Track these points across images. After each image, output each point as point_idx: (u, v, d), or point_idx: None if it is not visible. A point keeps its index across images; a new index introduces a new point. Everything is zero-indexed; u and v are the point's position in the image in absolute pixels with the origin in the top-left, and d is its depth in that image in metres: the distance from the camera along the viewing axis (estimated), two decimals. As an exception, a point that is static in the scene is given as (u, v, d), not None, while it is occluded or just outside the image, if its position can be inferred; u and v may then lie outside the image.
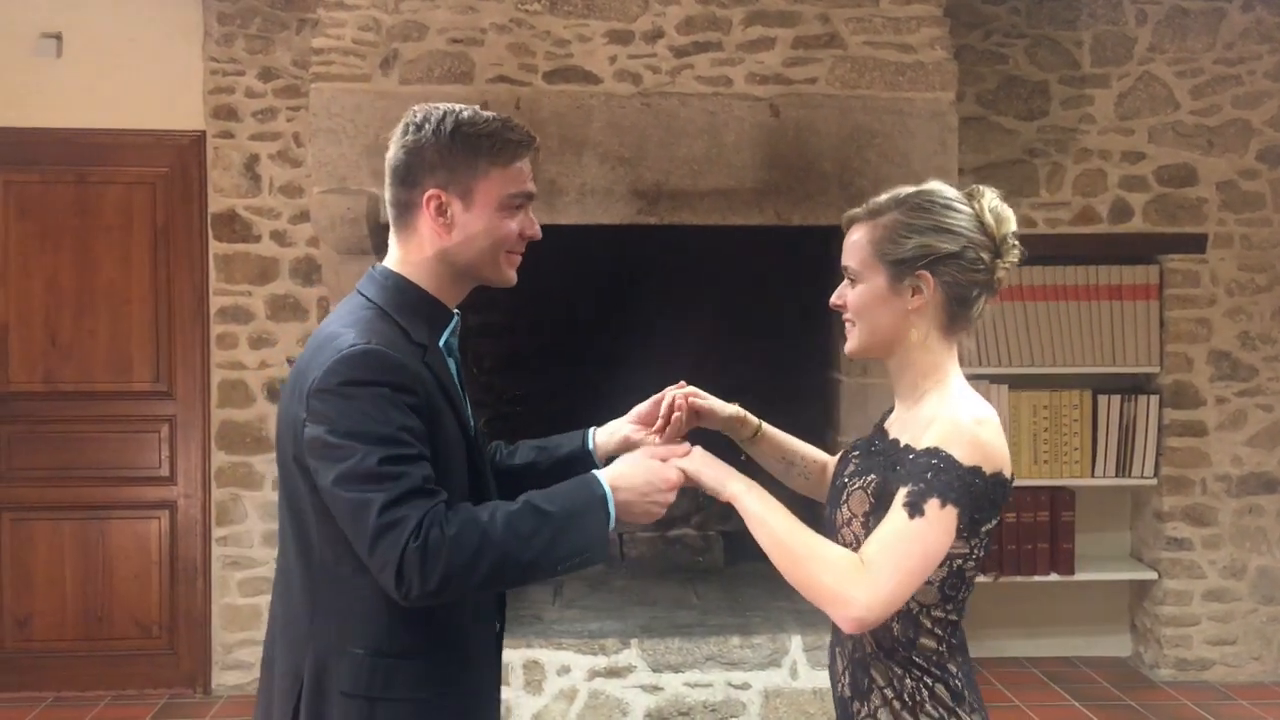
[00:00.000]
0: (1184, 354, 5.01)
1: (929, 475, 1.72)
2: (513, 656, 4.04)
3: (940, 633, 1.82)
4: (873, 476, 1.85)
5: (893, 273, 1.84)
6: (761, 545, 1.79)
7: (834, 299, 1.94)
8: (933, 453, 1.74)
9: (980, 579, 5.32)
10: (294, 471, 1.82)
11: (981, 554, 1.82)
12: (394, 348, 1.80)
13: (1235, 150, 5.00)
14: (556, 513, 1.77)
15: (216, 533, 4.83)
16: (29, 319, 4.78)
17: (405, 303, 1.89)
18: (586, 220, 4.17)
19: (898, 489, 1.74)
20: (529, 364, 5.15)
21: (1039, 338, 5.00)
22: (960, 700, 1.82)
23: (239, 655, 4.82)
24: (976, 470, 1.73)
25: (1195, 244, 4.99)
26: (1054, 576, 5.03)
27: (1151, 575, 5.07)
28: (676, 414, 2.08)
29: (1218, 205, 5.00)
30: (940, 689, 1.82)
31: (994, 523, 1.82)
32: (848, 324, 1.92)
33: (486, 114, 1.91)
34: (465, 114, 1.89)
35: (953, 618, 1.84)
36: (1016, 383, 5.01)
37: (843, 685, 1.92)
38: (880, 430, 1.97)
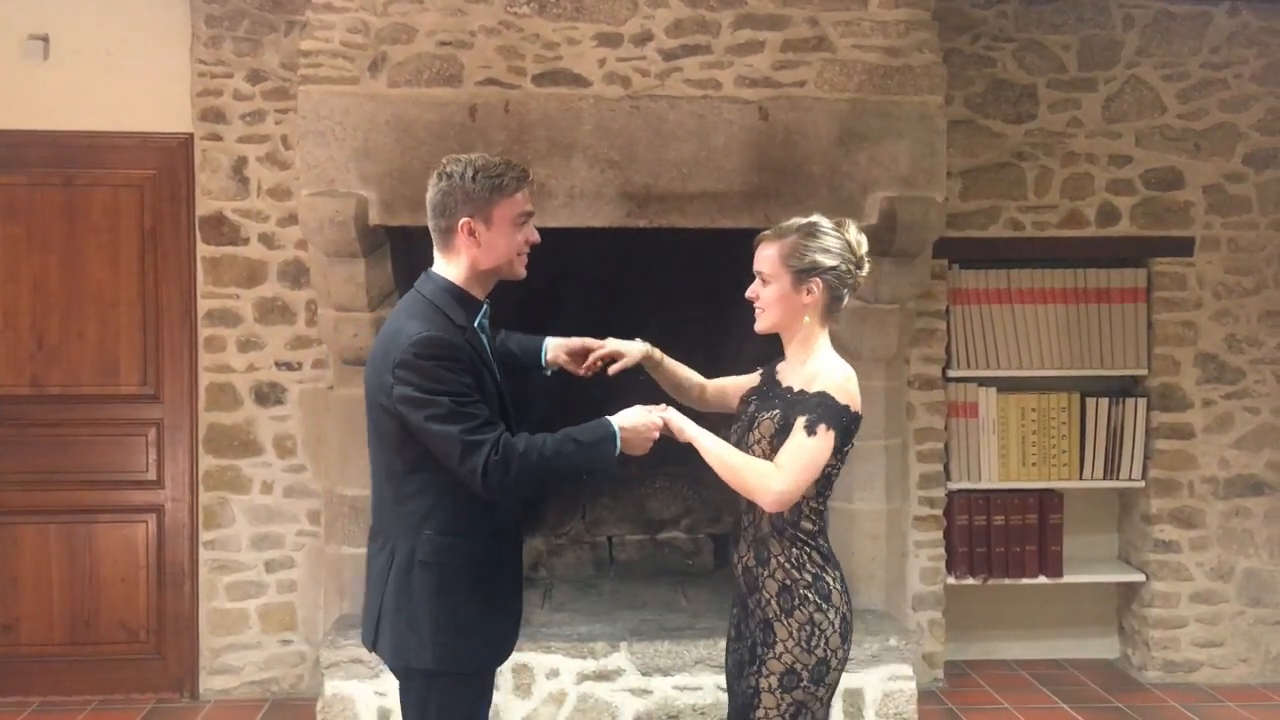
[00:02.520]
0: (1171, 357, 5.03)
1: (820, 409, 2.61)
2: (502, 660, 4.03)
3: (814, 517, 2.72)
4: (777, 411, 2.70)
5: (794, 278, 2.69)
6: (711, 465, 2.63)
7: (749, 293, 2.77)
8: (823, 394, 2.63)
9: (968, 581, 5.33)
10: (383, 417, 2.62)
11: (841, 465, 2.71)
12: (446, 331, 2.59)
13: (1222, 154, 5.02)
14: (584, 441, 2.60)
15: (204, 536, 4.81)
16: (16, 322, 4.76)
17: (448, 298, 2.65)
18: (576, 223, 4.17)
19: (797, 418, 2.61)
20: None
21: (1027, 341, 5.02)
22: (828, 560, 2.73)
23: (226, 659, 4.80)
24: (846, 409, 2.64)
25: (1182, 247, 5.01)
26: (1042, 579, 5.04)
27: (1139, 577, 5.08)
28: (593, 353, 2.96)
29: (1204, 209, 5.02)
30: (815, 555, 2.71)
31: (850, 446, 2.70)
32: (759, 311, 2.76)
33: (495, 159, 2.70)
34: (479, 162, 2.66)
35: (820, 508, 2.73)
36: (1005, 385, 5.03)
37: (747, 558, 2.77)
38: (772, 379, 2.84)
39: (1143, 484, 5.06)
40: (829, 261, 2.68)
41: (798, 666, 2.65)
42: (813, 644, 2.65)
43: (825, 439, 2.58)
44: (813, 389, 2.64)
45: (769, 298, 2.72)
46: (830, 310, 2.73)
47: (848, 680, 4.17)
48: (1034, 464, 5.04)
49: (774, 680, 2.67)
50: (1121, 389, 5.15)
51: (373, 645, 2.73)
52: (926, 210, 4.26)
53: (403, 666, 2.70)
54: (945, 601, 4.97)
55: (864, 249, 2.74)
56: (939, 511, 4.97)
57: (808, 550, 2.69)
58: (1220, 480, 5.05)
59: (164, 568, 4.83)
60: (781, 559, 2.70)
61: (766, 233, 2.77)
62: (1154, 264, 5.05)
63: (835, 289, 2.71)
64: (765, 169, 4.21)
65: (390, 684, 4.13)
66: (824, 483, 2.69)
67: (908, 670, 4.26)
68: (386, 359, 2.58)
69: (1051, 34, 4.98)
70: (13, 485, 4.78)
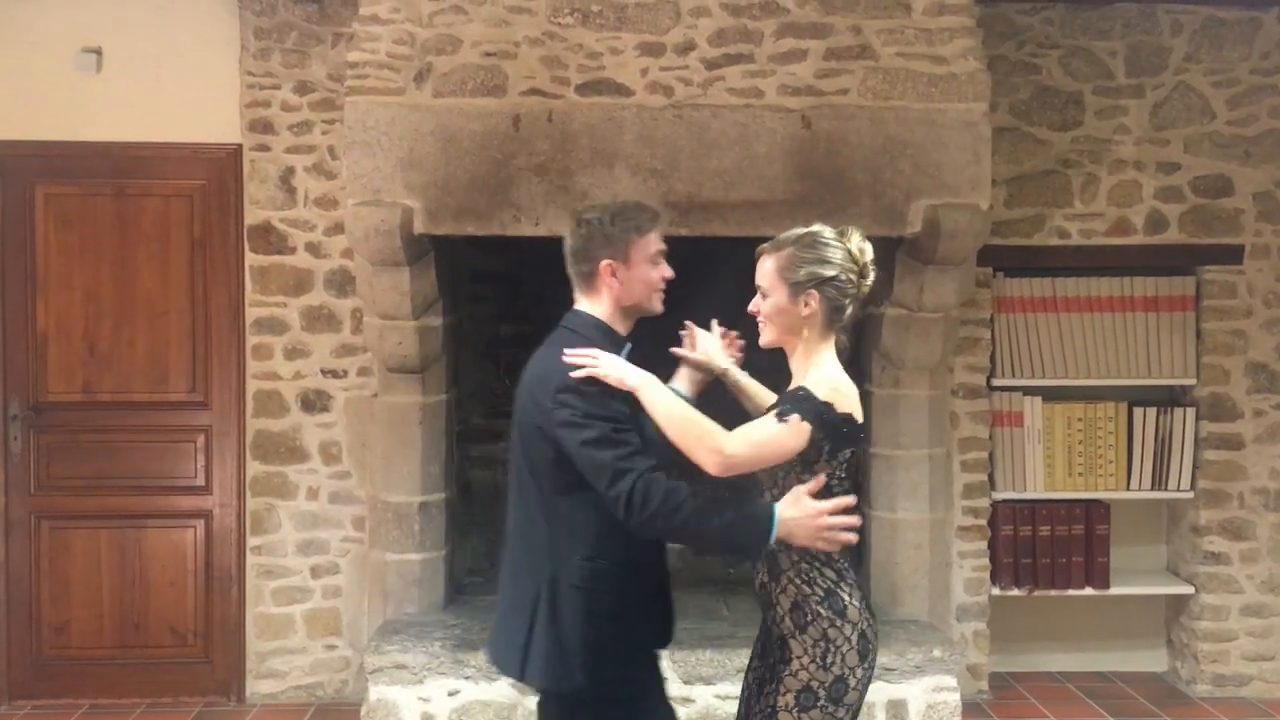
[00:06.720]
0: (1220, 366, 4.96)
1: (795, 399, 2.59)
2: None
3: None
4: (773, 412, 2.64)
5: (790, 291, 2.66)
6: (658, 420, 2.60)
7: (751, 308, 2.74)
8: (800, 389, 2.62)
9: (1013, 593, 5.24)
10: (538, 443, 2.70)
11: (844, 477, 2.65)
12: None
13: (1272, 161, 4.95)
14: (735, 515, 2.62)
15: (251, 542, 4.86)
16: (68, 329, 4.84)
17: (598, 334, 2.77)
18: (618, 232, 4.18)
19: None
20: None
21: (1074, 350, 4.97)
22: (843, 577, 2.66)
23: (272, 664, 4.85)
24: (829, 405, 2.58)
25: (1232, 255, 4.95)
26: (1089, 590, 4.99)
27: (1188, 590, 5.01)
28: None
29: (1254, 216, 4.95)
30: (828, 570, 2.64)
31: (850, 454, 2.65)
32: (761, 325, 2.73)
33: (629, 203, 2.94)
34: (615, 207, 2.85)
35: None
36: (1051, 395, 4.99)
37: (761, 574, 2.73)
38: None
39: (1191, 495, 5.00)
40: (827, 273, 2.64)
41: (814, 684, 2.60)
42: (828, 661, 2.60)
43: (794, 428, 2.53)
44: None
45: (769, 311, 2.70)
46: (831, 322, 2.68)
47: (891, 691, 4.16)
48: (1080, 474, 4.99)
49: (790, 699, 2.61)
50: (1170, 398, 5.08)
51: (520, 672, 2.76)
52: (971, 218, 4.24)
53: (553, 691, 2.77)
54: (990, 612, 4.93)
55: (868, 257, 2.70)
56: (983, 521, 4.93)
57: (819, 565, 2.64)
58: (1271, 491, 4.97)
59: (212, 572, 4.89)
60: (792, 574, 2.65)
61: (766, 245, 2.74)
62: (1203, 272, 4.98)
63: (835, 300, 2.66)
64: (808, 177, 4.21)
65: (433, 689, 4.16)
66: (825, 494, 2.61)
67: (952, 682, 4.23)
68: (545, 385, 2.67)
69: (1098, 40, 4.94)
70: (64, 490, 4.86)
